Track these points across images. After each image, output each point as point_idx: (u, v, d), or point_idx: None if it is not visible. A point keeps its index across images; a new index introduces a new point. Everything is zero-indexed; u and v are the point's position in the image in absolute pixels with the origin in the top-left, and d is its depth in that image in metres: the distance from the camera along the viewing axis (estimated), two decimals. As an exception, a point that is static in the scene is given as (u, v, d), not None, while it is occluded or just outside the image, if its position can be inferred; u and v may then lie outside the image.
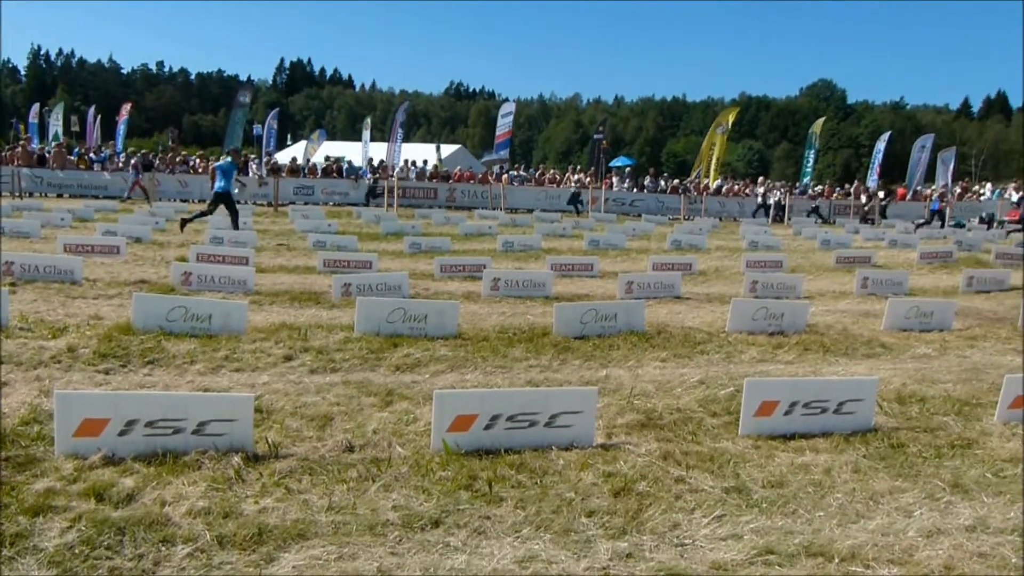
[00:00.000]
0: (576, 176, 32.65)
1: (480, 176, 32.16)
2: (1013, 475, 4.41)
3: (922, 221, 25.32)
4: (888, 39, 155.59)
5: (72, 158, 28.55)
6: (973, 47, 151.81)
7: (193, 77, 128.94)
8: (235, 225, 15.49)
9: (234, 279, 9.60)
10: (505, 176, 30.84)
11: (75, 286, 9.33)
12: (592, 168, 34.24)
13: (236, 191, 16.66)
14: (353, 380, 5.87)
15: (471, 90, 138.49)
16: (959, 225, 26.87)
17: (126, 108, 37.33)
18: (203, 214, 15.96)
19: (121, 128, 35.91)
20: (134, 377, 5.83)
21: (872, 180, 38.23)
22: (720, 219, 27.81)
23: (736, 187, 34.52)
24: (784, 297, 10.31)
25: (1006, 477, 4.38)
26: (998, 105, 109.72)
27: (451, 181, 30.58)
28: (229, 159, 16.89)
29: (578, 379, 6.22)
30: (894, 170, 48.35)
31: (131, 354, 6.31)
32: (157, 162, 29.61)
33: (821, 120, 41.92)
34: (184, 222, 15.88)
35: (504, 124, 34.25)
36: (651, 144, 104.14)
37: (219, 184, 15.61)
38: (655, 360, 6.94)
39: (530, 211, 26.84)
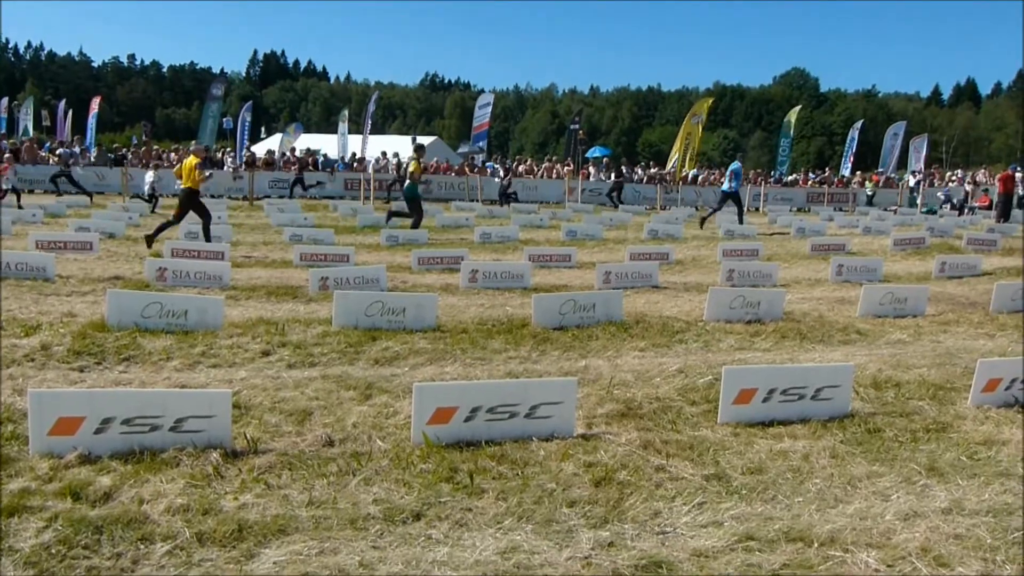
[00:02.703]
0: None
1: (457, 167, 32.08)
2: (987, 457, 4.47)
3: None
4: (860, 27, 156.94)
5: (44, 153, 28.14)
6: (943, 34, 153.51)
7: (165, 70, 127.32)
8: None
9: (209, 274, 9.52)
10: (480, 167, 30.79)
11: (48, 283, 9.21)
12: (569, 159, 34.27)
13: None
14: (332, 374, 5.84)
15: (447, 81, 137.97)
16: (931, 212, 27.20)
17: (96, 102, 36.85)
18: (711, 212, 19.44)
19: (91, 122, 35.43)
20: (109, 375, 5.77)
21: (846, 167, 38.63)
22: (696, 208, 27.92)
23: (712, 176, 34.70)
24: (760, 285, 10.39)
25: (980, 460, 4.44)
26: (968, 92, 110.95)
27: (427, 173, 30.44)
28: (737, 163, 19.84)
29: (557, 370, 6.22)
30: (867, 157, 48.88)
31: (106, 351, 6.24)
32: (130, 156, 29.31)
33: (796, 108, 42.20)
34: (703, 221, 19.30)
35: (482, 115, 34.20)
36: (627, 134, 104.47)
37: (730, 184, 18.90)
38: (634, 350, 6.97)
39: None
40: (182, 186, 12.58)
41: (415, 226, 15.49)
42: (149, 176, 21.80)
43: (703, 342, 7.36)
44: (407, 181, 15.76)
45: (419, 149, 16.00)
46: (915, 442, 4.71)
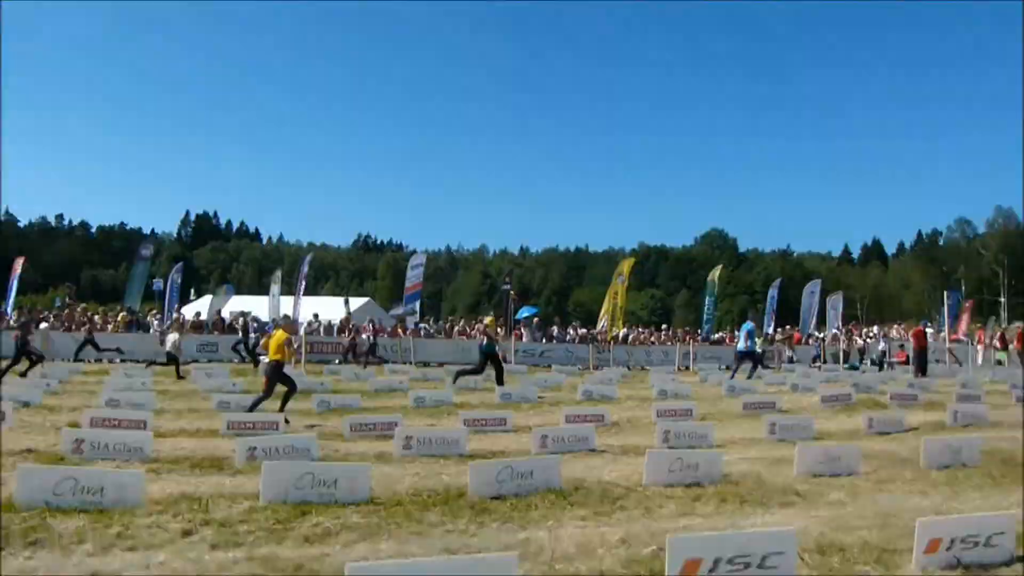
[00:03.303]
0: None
1: (390, 329, 32.06)
2: (938, 627, 4.39)
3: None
4: (773, 189, 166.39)
5: (-42, 318, 27.20)
6: (850, 197, 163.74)
7: (94, 230, 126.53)
8: None
9: (130, 445, 9.07)
10: (413, 328, 30.85)
11: (-48, 459, 8.63)
12: (501, 319, 34.65)
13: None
14: (258, 555, 5.51)
15: (379, 242, 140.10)
16: (853, 368, 28.08)
17: (19, 263, 36.13)
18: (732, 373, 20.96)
19: (13, 284, 34.60)
20: (13, 562, 5.33)
21: (769, 325, 39.88)
22: (628, 368, 28.26)
23: (642, 335, 35.41)
24: (697, 446, 10.37)
25: (931, 630, 4.36)
26: (875, 251, 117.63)
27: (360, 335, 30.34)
28: (750, 323, 21.67)
29: (497, 543, 5.99)
30: (787, 315, 50.66)
31: (12, 535, 5.80)
32: (52, 319, 28.54)
33: (719, 268, 43.96)
34: None
35: (414, 276, 34.58)
36: (557, 294, 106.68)
37: (746, 343, 20.77)
38: (575, 519, 6.80)
39: (441, 364, 26.75)
40: (269, 358, 13.19)
41: (499, 381, 17.87)
42: (171, 338, 21.82)
43: (644, 508, 7.23)
44: (485, 340, 18.80)
45: (497, 308, 17.79)
46: (865, 613, 4.61)
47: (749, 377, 20.39)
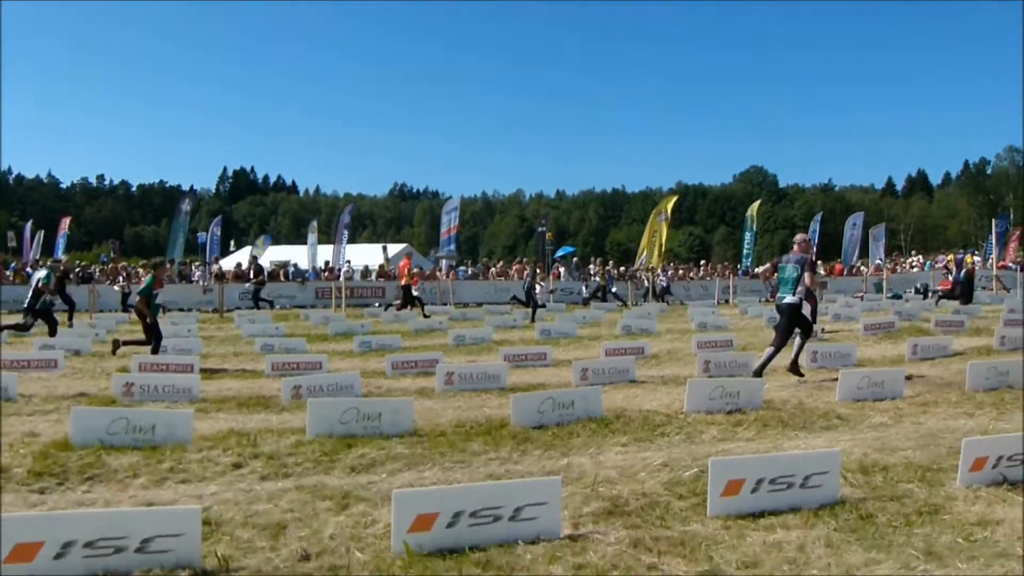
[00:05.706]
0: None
1: (428, 272, 32.24)
2: (983, 539, 4.36)
3: (942, 293, 23.97)
4: (814, 123, 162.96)
5: (8, 273, 27.92)
6: (895, 128, 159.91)
7: (135, 189, 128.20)
8: None
9: (178, 387, 9.29)
10: (452, 272, 30.97)
11: (9, 403, 8.90)
12: (537, 259, 34.61)
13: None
14: (306, 484, 5.63)
15: (415, 190, 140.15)
16: (896, 296, 27.65)
17: (65, 222, 36.91)
18: None
19: (60, 242, 35.37)
20: (72, 495, 5.51)
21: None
22: (667, 303, 28.15)
23: (680, 271, 35.14)
24: (738, 375, 10.35)
25: (976, 541, 4.33)
26: (920, 183, 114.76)
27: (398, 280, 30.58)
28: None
29: (540, 469, 6.06)
30: (829, 248, 49.93)
31: (69, 471, 5.99)
32: (97, 274, 29.15)
33: (757, 203, 43.30)
34: None
35: (449, 220, 34.62)
36: (595, 234, 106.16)
37: None
38: (616, 445, 6.84)
39: (479, 305, 26.88)
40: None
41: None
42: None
43: (685, 434, 7.25)
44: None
45: None
46: (909, 526, 4.59)
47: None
